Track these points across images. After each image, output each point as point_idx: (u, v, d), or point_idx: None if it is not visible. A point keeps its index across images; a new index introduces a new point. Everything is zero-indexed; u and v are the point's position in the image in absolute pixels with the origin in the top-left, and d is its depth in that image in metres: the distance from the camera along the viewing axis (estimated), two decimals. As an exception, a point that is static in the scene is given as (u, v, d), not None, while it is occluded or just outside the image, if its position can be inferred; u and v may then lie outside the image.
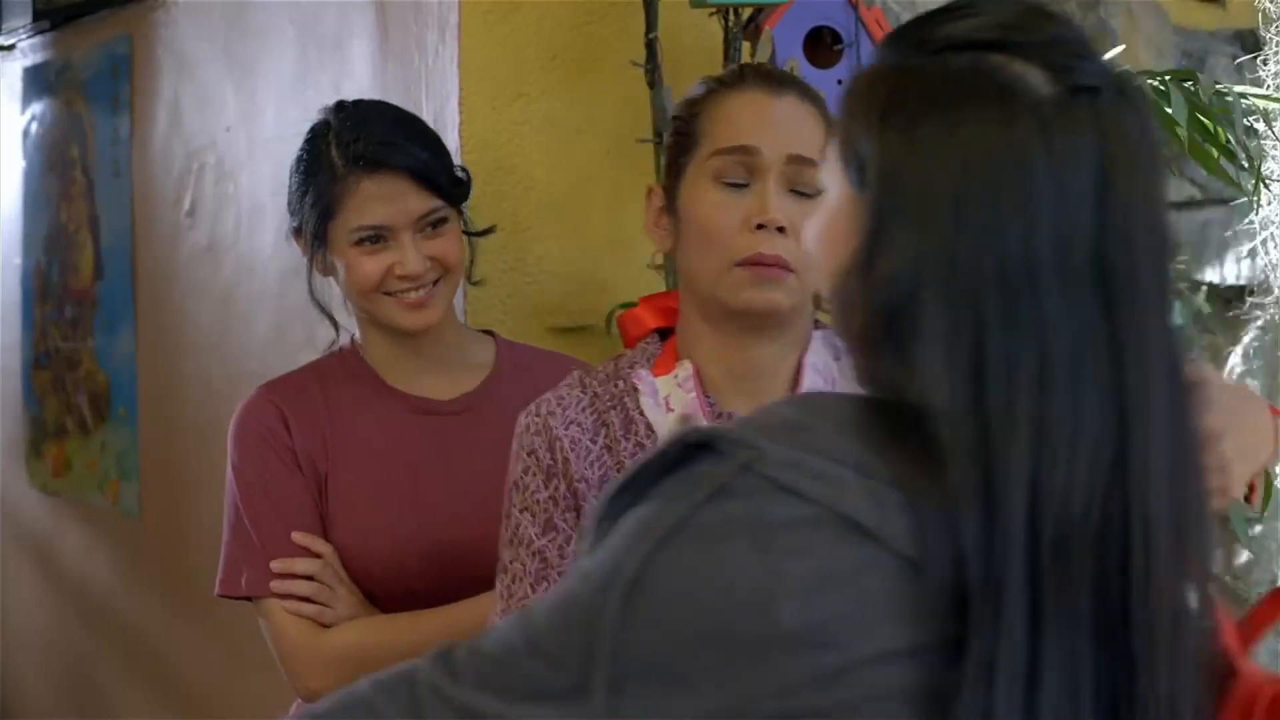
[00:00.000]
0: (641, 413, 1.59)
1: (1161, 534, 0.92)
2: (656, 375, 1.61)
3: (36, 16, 4.26)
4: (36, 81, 4.38)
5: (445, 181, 1.93)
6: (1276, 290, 2.84)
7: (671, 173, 1.63)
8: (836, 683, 0.86)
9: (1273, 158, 2.67)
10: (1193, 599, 0.96)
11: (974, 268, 0.92)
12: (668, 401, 1.58)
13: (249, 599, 1.94)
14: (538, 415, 1.61)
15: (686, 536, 0.88)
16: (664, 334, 1.69)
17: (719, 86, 1.60)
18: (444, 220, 1.92)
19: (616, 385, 1.63)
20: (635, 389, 1.61)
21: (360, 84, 2.83)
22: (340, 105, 1.99)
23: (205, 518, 3.54)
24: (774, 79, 1.60)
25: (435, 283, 1.91)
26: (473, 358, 2.05)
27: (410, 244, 1.88)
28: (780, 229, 1.52)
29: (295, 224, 1.99)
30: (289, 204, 2.01)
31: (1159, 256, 0.97)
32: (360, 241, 1.88)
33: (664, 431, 1.54)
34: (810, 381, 1.59)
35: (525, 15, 2.51)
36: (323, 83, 2.98)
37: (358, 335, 2.05)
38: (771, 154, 1.53)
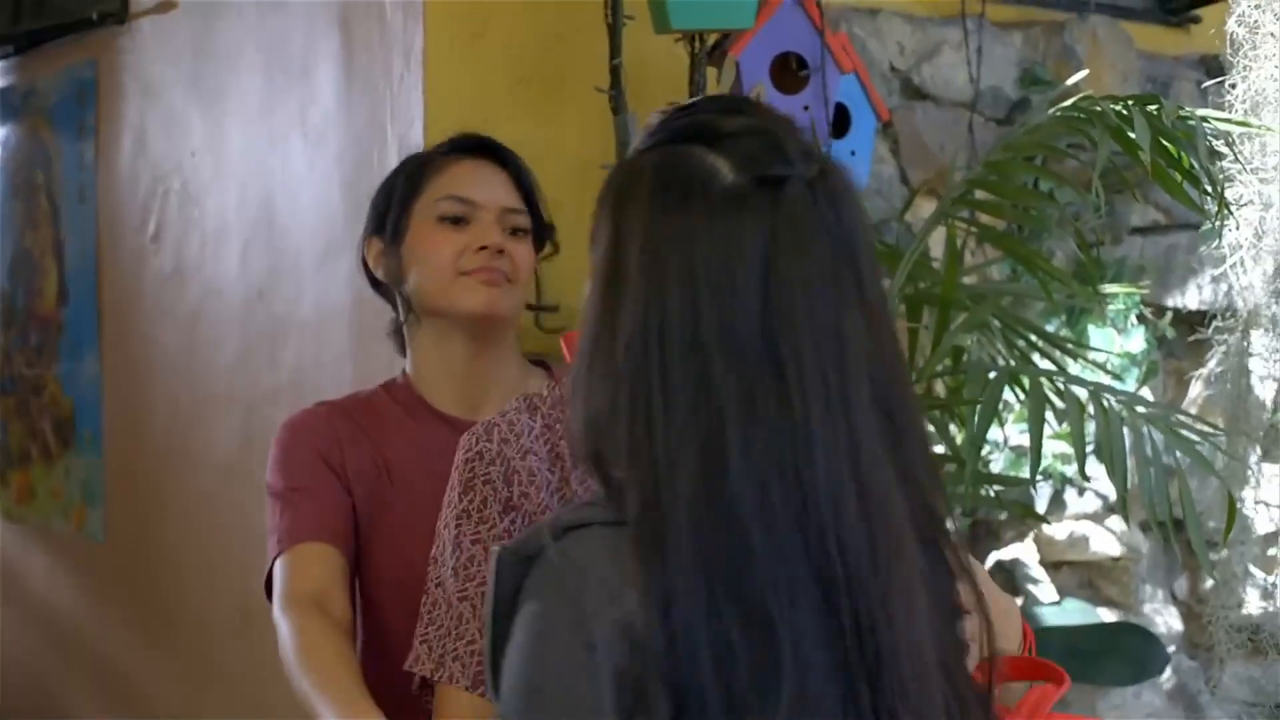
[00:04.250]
0: None
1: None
2: None
3: (0, 41, 4.24)
4: (1, 106, 4.36)
5: (532, 202, 1.99)
6: (1243, 314, 2.84)
7: None
8: None
9: (1241, 181, 2.68)
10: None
11: (641, 334, 1.05)
12: None
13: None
14: (490, 441, 1.49)
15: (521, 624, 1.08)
16: None
17: None
18: (524, 231, 1.96)
19: (566, 411, 1.49)
20: None
21: (326, 109, 2.82)
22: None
23: (172, 542, 3.51)
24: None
25: (507, 280, 1.91)
26: (530, 390, 1.87)
27: (493, 224, 1.91)
28: None
29: (373, 227, 1.97)
30: (367, 222, 1.98)
31: (827, 341, 1.05)
32: (443, 219, 1.90)
33: None
34: None
35: (491, 41, 2.51)
36: (288, 108, 2.97)
37: (409, 368, 1.99)
38: None
